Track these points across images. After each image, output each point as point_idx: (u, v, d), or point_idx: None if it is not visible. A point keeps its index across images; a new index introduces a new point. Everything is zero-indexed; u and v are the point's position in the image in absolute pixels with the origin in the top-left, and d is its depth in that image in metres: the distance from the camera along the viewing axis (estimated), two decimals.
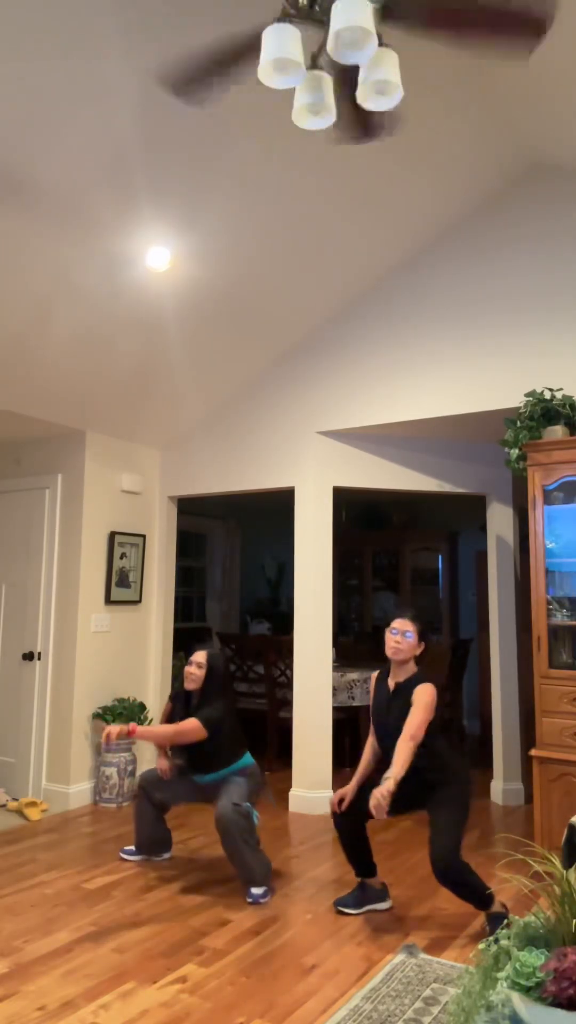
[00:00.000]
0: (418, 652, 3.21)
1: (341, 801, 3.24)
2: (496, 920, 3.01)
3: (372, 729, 3.35)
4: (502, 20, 2.10)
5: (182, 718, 3.64)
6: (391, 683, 3.24)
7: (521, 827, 4.43)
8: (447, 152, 3.85)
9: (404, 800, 3.07)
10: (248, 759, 3.65)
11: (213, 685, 3.64)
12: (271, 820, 4.61)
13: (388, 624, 3.24)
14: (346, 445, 5.04)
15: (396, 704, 3.17)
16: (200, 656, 3.68)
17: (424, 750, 3.07)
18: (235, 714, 3.68)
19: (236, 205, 3.70)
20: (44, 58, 2.68)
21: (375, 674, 3.39)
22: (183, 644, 6.39)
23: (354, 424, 4.84)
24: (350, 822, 3.24)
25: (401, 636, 3.18)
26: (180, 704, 3.76)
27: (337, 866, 3.85)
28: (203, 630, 8.02)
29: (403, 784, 2.95)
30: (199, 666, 3.65)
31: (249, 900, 3.37)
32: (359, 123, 2.50)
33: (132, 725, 3.37)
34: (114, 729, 3.35)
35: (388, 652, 3.20)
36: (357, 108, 2.37)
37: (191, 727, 3.44)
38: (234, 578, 8.65)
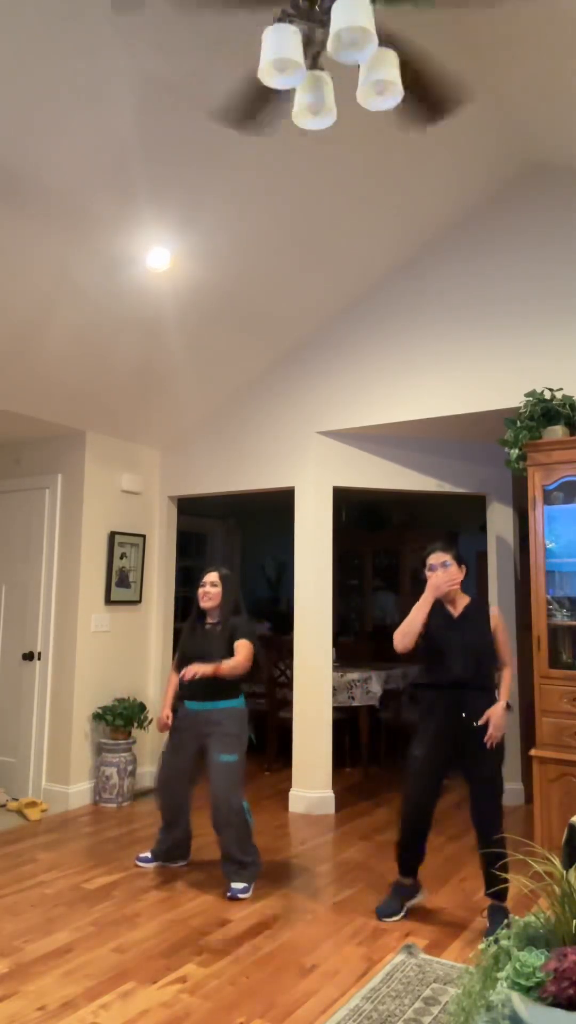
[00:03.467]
0: (462, 576, 3.29)
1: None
2: (496, 916, 3.02)
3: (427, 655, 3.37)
4: (424, 91, 2.38)
5: (202, 638, 3.62)
6: (452, 611, 3.30)
7: (521, 827, 4.43)
8: (447, 152, 3.85)
9: (451, 749, 3.21)
10: (241, 701, 3.61)
11: (230, 602, 3.65)
12: (271, 820, 4.61)
13: (424, 563, 3.31)
14: (346, 445, 5.04)
15: (469, 626, 3.26)
16: (213, 576, 3.69)
17: (484, 692, 3.21)
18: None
19: (236, 205, 3.70)
20: (45, 59, 2.68)
21: None
22: None
23: (354, 424, 4.84)
24: (430, 796, 3.22)
25: (442, 568, 3.25)
26: (199, 625, 3.70)
27: (337, 866, 3.85)
28: None
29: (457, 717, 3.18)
30: (213, 584, 3.67)
31: (227, 895, 3.39)
32: (426, 102, 2.46)
33: (215, 666, 3.38)
34: (199, 668, 3.36)
35: None
36: (419, 88, 2.37)
37: (248, 650, 3.49)
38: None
